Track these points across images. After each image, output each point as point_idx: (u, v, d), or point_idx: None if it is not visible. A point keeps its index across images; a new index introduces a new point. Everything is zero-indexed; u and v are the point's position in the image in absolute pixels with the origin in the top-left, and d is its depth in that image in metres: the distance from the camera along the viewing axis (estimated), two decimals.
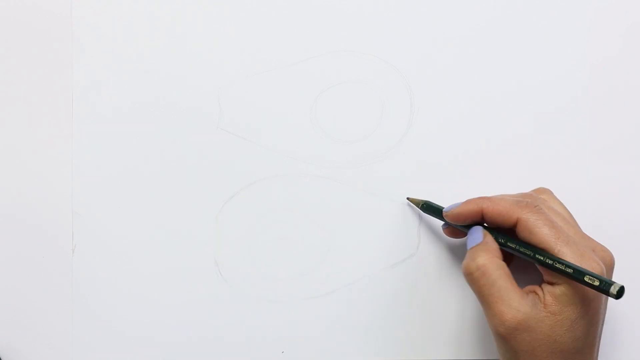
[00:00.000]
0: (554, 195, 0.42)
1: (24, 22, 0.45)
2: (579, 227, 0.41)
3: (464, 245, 0.45)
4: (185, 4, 0.45)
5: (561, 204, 0.41)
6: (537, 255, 0.38)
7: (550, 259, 0.37)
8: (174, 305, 0.45)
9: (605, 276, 0.37)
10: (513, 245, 0.39)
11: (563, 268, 0.36)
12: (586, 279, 0.35)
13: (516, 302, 0.37)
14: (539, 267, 0.38)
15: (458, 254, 0.45)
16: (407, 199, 0.45)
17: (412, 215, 0.45)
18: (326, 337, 0.45)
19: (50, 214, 0.45)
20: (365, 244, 0.45)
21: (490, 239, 0.40)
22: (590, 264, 0.37)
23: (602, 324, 0.39)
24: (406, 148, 0.45)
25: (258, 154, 0.45)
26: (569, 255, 0.37)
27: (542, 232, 0.37)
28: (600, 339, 0.40)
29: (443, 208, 0.42)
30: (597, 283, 0.35)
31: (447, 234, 0.44)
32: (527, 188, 0.45)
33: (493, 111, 0.46)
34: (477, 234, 0.40)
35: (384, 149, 0.45)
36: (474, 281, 0.38)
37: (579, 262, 0.37)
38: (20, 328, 0.45)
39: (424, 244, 0.45)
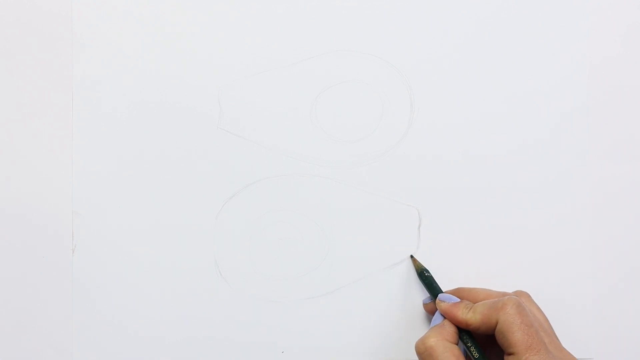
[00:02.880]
0: (532, 300, 0.42)
1: (24, 22, 0.45)
2: (555, 336, 0.41)
3: (465, 244, 0.45)
4: (186, 4, 0.45)
5: (538, 309, 0.42)
6: None
7: None
8: (174, 305, 0.45)
9: None
10: (468, 343, 0.40)
11: None
12: None
13: None
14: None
15: (458, 254, 0.45)
16: (411, 256, 0.45)
17: (412, 215, 0.45)
18: (326, 337, 0.45)
19: (50, 213, 0.45)
20: (365, 244, 0.45)
21: (447, 323, 0.41)
22: None
23: None
24: (406, 148, 0.45)
25: (258, 154, 0.45)
26: None
27: (514, 337, 0.37)
28: None
29: (438, 292, 0.43)
30: None
31: (426, 309, 0.45)
32: (527, 187, 0.45)
33: (493, 111, 0.46)
34: (438, 317, 0.41)
35: (384, 149, 0.45)
36: None
37: None
38: (20, 328, 0.45)
39: (424, 244, 0.45)
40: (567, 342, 0.45)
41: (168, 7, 0.45)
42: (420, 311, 0.45)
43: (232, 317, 0.45)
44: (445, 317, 0.41)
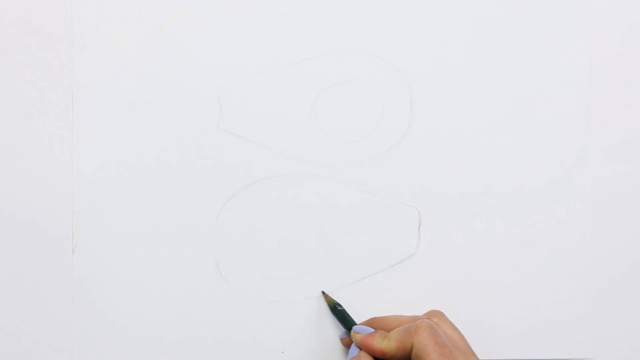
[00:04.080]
0: (446, 318, 0.43)
1: (24, 22, 0.45)
2: (471, 352, 0.41)
3: (465, 244, 0.45)
4: (186, 5, 0.45)
5: (453, 327, 0.42)
6: None
7: None
8: (174, 305, 0.45)
9: None
10: None
11: None
12: None
13: None
14: None
15: (458, 254, 0.45)
16: (322, 292, 0.45)
17: (412, 215, 0.45)
18: (326, 337, 0.45)
19: (50, 213, 0.45)
20: (365, 244, 0.45)
21: (363, 354, 0.41)
22: None
23: None
24: (406, 148, 0.45)
25: (258, 154, 0.45)
26: None
27: (429, 358, 0.38)
28: None
29: (352, 325, 0.43)
30: None
31: (343, 344, 0.44)
32: (526, 187, 0.45)
33: (492, 111, 0.46)
34: (354, 350, 0.42)
35: (384, 149, 0.45)
36: None
37: None
38: (21, 328, 0.45)
39: (424, 244, 0.45)
40: (567, 342, 0.45)
41: (168, 7, 0.45)
42: (420, 311, 0.45)
43: (232, 317, 0.45)
44: (361, 349, 0.41)
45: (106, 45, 0.45)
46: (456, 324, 0.45)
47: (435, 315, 0.43)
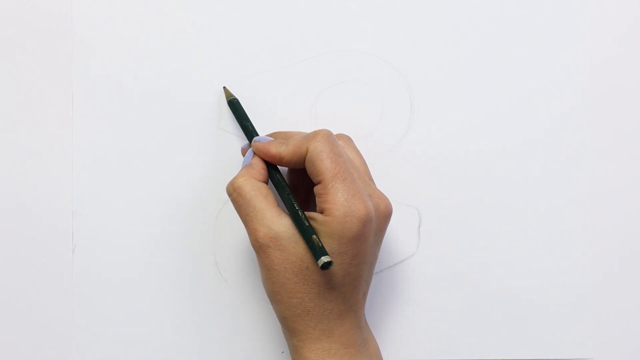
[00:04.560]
0: (353, 144, 0.42)
1: (24, 22, 0.45)
2: (368, 176, 0.41)
3: (465, 244, 0.45)
4: (186, 4, 0.45)
5: (357, 152, 0.41)
6: (288, 202, 0.39)
7: (296, 216, 0.38)
8: (174, 305, 0.45)
9: (373, 222, 0.38)
10: (275, 174, 0.40)
11: (300, 219, 0.37)
12: (313, 238, 0.36)
13: (270, 220, 0.38)
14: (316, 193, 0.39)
15: (458, 254, 0.45)
16: (224, 88, 0.45)
17: (412, 215, 0.45)
18: None
19: (50, 214, 0.45)
20: None
21: (256, 160, 0.41)
22: (357, 206, 0.37)
23: (369, 268, 0.39)
24: (406, 148, 0.45)
25: None
26: (340, 192, 0.37)
27: (322, 164, 0.37)
28: (367, 284, 0.40)
29: (249, 122, 0.43)
30: (319, 245, 0.36)
31: (242, 154, 0.43)
32: (526, 187, 0.45)
33: (493, 111, 0.46)
34: (248, 158, 0.41)
35: (383, 148, 0.45)
36: (233, 201, 0.39)
37: (347, 201, 0.37)
38: (20, 328, 0.45)
39: (424, 244, 0.45)
40: (567, 342, 0.45)
41: (168, 7, 0.45)
42: (420, 311, 0.45)
43: (232, 317, 0.45)
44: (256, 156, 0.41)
45: (106, 46, 0.45)
46: (456, 324, 0.45)
47: (341, 137, 0.42)
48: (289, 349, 0.40)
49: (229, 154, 0.45)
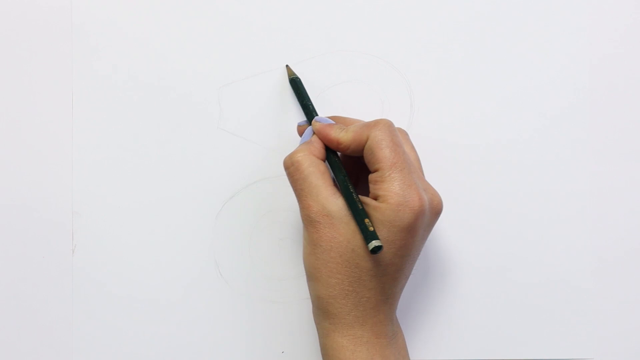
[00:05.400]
0: (409, 139, 0.42)
1: (24, 19, 0.45)
2: (422, 172, 0.41)
3: (465, 244, 0.45)
4: (186, 4, 0.45)
5: (413, 148, 0.42)
6: (343, 184, 0.39)
7: (350, 198, 0.38)
8: (174, 305, 0.45)
9: (426, 216, 0.38)
10: (333, 156, 0.40)
11: (354, 200, 0.37)
12: (365, 221, 0.36)
13: (324, 198, 0.38)
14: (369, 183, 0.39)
15: (459, 254, 0.45)
16: (286, 66, 0.45)
17: None
18: None
19: (50, 214, 0.45)
20: None
21: (316, 138, 0.41)
22: (412, 197, 0.37)
23: (412, 263, 0.39)
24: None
25: (258, 154, 0.45)
26: (396, 181, 0.37)
27: (381, 153, 0.38)
28: (406, 279, 0.40)
29: (309, 101, 0.43)
30: (370, 229, 0.36)
31: (298, 131, 0.44)
32: (526, 188, 0.45)
33: (493, 111, 0.46)
34: (308, 135, 0.41)
35: None
36: (289, 175, 0.40)
37: (403, 190, 0.37)
38: (20, 328, 0.45)
39: (424, 244, 0.45)
40: (567, 342, 0.45)
41: (168, 6, 0.45)
42: (420, 311, 0.45)
43: (232, 317, 0.45)
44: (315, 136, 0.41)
45: (106, 45, 0.45)
46: (457, 324, 0.45)
47: (400, 131, 0.42)
48: (318, 332, 0.39)
49: (229, 154, 0.45)
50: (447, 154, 0.45)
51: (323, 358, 0.39)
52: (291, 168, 0.39)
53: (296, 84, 0.44)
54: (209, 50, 0.45)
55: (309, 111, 0.43)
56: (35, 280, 0.45)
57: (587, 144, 0.46)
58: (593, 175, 0.46)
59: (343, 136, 0.40)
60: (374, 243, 0.36)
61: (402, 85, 0.46)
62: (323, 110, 0.45)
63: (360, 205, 0.37)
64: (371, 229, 0.36)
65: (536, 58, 0.46)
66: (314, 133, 0.41)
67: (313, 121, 0.42)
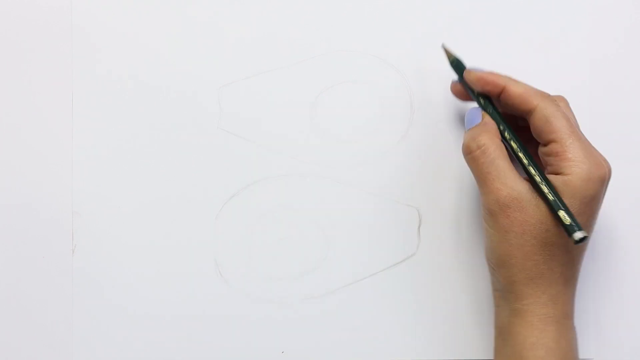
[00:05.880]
0: (570, 107, 0.41)
1: (24, 19, 0.45)
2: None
3: (465, 244, 0.45)
4: (186, 4, 0.45)
5: (575, 116, 0.41)
6: (528, 163, 0.38)
7: (539, 177, 0.37)
8: (174, 306, 0.45)
9: (607, 184, 0.37)
10: (509, 137, 0.39)
11: (545, 191, 0.36)
12: (560, 213, 0.36)
13: (512, 181, 0.37)
14: (541, 156, 0.38)
15: (458, 253, 0.45)
16: (442, 45, 0.43)
17: (412, 215, 0.45)
18: (326, 337, 0.45)
19: (50, 214, 0.45)
20: (365, 244, 0.45)
21: (489, 119, 0.40)
22: (598, 165, 0.36)
23: (591, 232, 0.39)
24: (406, 148, 0.45)
25: (258, 154, 0.45)
26: (579, 150, 0.37)
27: (559, 123, 0.37)
28: (586, 249, 0.39)
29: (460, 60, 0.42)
30: (567, 222, 0.35)
31: (452, 91, 0.43)
32: None
33: None
34: (477, 114, 0.40)
35: (384, 149, 0.45)
36: (474, 159, 0.39)
37: (588, 159, 0.36)
38: (20, 328, 0.45)
39: (424, 244, 0.45)
40: None
41: (168, 6, 0.45)
42: (420, 311, 0.45)
43: (232, 317, 0.45)
44: (475, 91, 0.40)
45: (106, 45, 0.45)
46: (456, 324, 0.45)
47: (561, 100, 0.40)
48: (500, 312, 0.39)
49: (229, 154, 0.45)
50: (448, 154, 0.45)
51: (500, 339, 0.39)
52: (477, 152, 0.38)
53: (455, 64, 0.43)
54: (209, 50, 0.45)
55: (461, 68, 0.42)
56: (35, 280, 0.45)
57: None
58: None
59: (512, 84, 0.39)
60: (579, 235, 0.35)
61: (402, 85, 0.46)
62: (323, 110, 0.45)
63: (552, 190, 0.36)
64: (571, 220, 0.35)
65: (536, 58, 0.46)
66: (483, 114, 0.40)
67: (466, 70, 0.41)
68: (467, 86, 0.42)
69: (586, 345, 0.45)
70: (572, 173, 0.36)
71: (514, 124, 0.41)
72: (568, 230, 0.35)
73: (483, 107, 0.41)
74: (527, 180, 0.38)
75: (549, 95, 0.39)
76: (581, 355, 0.45)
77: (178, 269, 0.45)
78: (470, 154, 0.39)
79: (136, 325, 0.45)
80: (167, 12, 0.45)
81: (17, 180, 0.45)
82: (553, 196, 0.36)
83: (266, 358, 0.45)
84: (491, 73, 0.40)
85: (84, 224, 0.45)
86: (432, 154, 0.45)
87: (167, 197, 0.45)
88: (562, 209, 0.36)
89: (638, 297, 0.46)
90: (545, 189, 0.37)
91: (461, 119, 0.46)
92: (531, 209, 0.37)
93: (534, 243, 0.37)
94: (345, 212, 0.45)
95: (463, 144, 0.40)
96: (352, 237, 0.45)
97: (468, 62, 0.44)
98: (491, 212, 0.38)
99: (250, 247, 0.45)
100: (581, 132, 0.39)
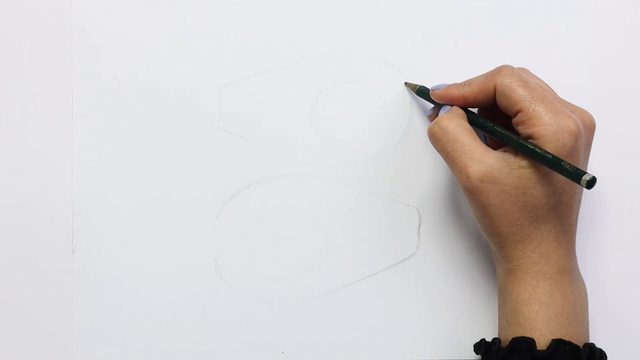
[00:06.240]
0: (532, 73, 0.42)
1: (24, 19, 0.45)
2: (557, 95, 0.41)
3: (465, 244, 0.45)
4: (186, 4, 0.45)
5: (540, 79, 0.41)
6: (516, 139, 0.38)
7: (530, 146, 0.37)
8: (174, 305, 0.45)
9: (583, 136, 0.37)
10: (490, 125, 0.39)
11: (542, 153, 0.36)
12: (563, 164, 0.35)
13: (479, 154, 0.38)
14: (514, 128, 0.39)
15: (458, 254, 0.45)
16: (405, 83, 0.45)
17: (412, 215, 0.45)
18: (326, 337, 0.45)
19: (50, 214, 0.45)
20: (365, 244, 0.45)
21: (456, 108, 0.41)
22: (565, 121, 0.37)
23: (582, 190, 0.40)
24: (406, 148, 0.45)
25: (258, 154, 0.45)
26: (543, 113, 0.37)
27: (516, 94, 0.38)
28: (579, 203, 0.40)
29: (424, 87, 0.43)
30: (573, 169, 0.35)
31: (430, 120, 0.44)
32: None
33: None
34: (447, 107, 0.41)
35: (384, 149, 0.45)
36: (437, 140, 0.39)
37: (553, 119, 0.37)
38: (20, 328, 0.45)
39: (424, 244, 0.45)
40: None
41: (168, 6, 0.45)
42: (420, 311, 0.45)
43: (232, 317, 0.45)
44: (442, 105, 0.41)
45: (106, 46, 0.45)
46: (456, 324, 0.45)
47: (521, 69, 0.41)
48: (499, 272, 0.40)
49: (229, 154, 0.45)
50: None
51: (500, 297, 0.40)
52: (438, 132, 0.39)
53: (421, 92, 0.44)
54: (209, 50, 0.45)
55: (425, 92, 0.43)
56: (35, 280, 0.45)
57: None
58: (594, 174, 0.45)
59: (467, 90, 0.40)
60: (586, 178, 0.34)
61: (402, 85, 0.46)
62: (323, 110, 0.45)
63: (538, 147, 0.36)
64: (573, 167, 0.35)
65: (536, 58, 0.46)
66: (451, 106, 0.41)
67: (431, 90, 0.42)
68: (440, 106, 0.42)
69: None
70: (541, 136, 0.37)
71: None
72: (575, 177, 0.35)
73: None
74: (494, 150, 0.38)
75: (499, 70, 0.39)
76: None
77: (178, 269, 0.45)
78: (433, 136, 0.40)
79: (136, 325, 0.45)
80: (167, 12, 0.45)
81: (17, 180, 0.45)
82: (549, 153, 0.36)
83: (266, 358, 0.45)
84: (449, 87, 0.41)
85: (84, 224, 0.45)
86: (432, 154, 0.45)
87: (167, 197, 0.45)
88: (563, 160, 0.35)
89: (638, 296, 0.46)
90: (539, 150, 0.36)
91: None
92: (503, 177, 0.37)
93: (515, 209, 0.38)
94: (345, 212, 0.45)
95: (427, 129, 0.40)
96: (352, 237, 0.45)
97: (468, 61, 0.44)
98: (467, 190, 0.38)
99: (250, 247, 0.45)
100: (546, 91, 0.39)
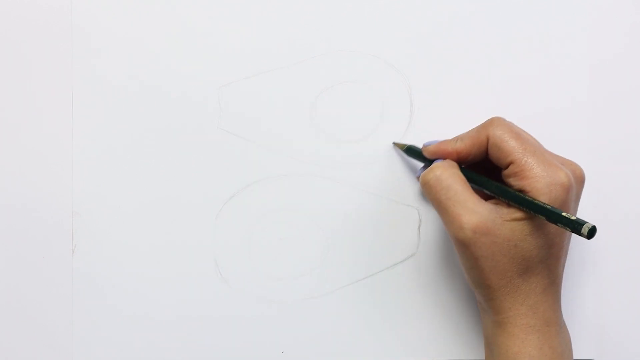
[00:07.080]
0: (518, 127, 0.42)
1: (24, 18, 0.45)
2: (545, 148, 0.41)
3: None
4: (186, 4, 0.45)
5: (527, 133, 0.41)
6: (512, 191, 0.38)
7: (528, 199, 0.37)
8: (174, 306, 0.45)
9: (574, 188, 0.38)
10: (484, 179, 0.40)
11: (541, 204, 0.36)
12: (564, 214, 0.35)
13: (473, 204, 0.38)
14: (505, 180, 0.39)
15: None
16: (393, 143, 0.45)
17: (412, 215, 0.45)
18: (326, 337, 0.45)
19: (50, 214, 0.45)
20: (365, 244, 0.45)
21: (449, 160, 0.41)
22: (557, 174, 0.37)
23: (568, 238, 0.40)
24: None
25: (258, 154, 0.45)
26: (535, 165, 0.37)
27: (508, 145, 0.38)
28: (566, 256, 0.40)
29: (414, 146, 0.43)
30: (574, 219, 0.35)
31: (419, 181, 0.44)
32: None
33: (492, 111, 0.45)
34: (438, 161, 0.41)
35: (384, 149, 0.45)
36: (430, 188, 0.39)
37: (545, 171, 0.37)
38: (20, 328, 0.45)
39: (424, 244, 0.45)
40: None
41: (168, 6, 0.45)
42: (420, 311, 0.45)
43: (232, 317, 0.45)
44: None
45: (106, 46, 0.45)
46: (456, 324, 0.45)
47: (506, 121, 0.41)
48: (486, 324, 0.40)
49: (229, 154, 0.45)
50: None
51: (488, 348, 0.40)
52: (432, 180, 0.39)
53: (410, 150, 0.44)
54: (209, 50, 0.45)
55: (418, 152, 0.43)
56: (35, 280, 0.45)
57: (587, 145, 0.46)
58: (593, 176, 0.46)
59: (460, 145, 0.40)
60: (588, 226, 0.34)
61: (402, 85, 0.46)
62: (323, 110, 0.45)
63: (535, 199, 0.36)
64: (572, 217, 0.35)
65: (536, 59, 0.46)
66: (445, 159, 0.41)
67: (423, 147, 0.42)
68: (431, 163, 0.42)
69: (586, 345, 0.45)
70: (534, 188, 0.37)
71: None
72: (576, 226, 0.35)
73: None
74: (487, 201, 0.38)
75: (491, 122, 0.39)
76: (581, 355, 0.45)
77: (178, 269, 0.45)
78: (426, 184, 0.39)
79: (136, 326, 0.45)
80: (167, 12, 0.45)
81: (17, 180, 0.45)
82: (547, 205, 0.36)
83: (266, 358, 0.45)
84: (441, 142, 0.41)
85: (84, 224, 0.45)
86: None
87: (167, 197, 0.45)
88: (562, 212, 0.35)
89: (638, 296, 0.46)
90: (537, 202, 0.36)
91: (461, 119, 0.45)
92: (497, 229, 0.37)
93: (506, 261, 0.37)
94: (345, 212, 0.45)
95: (420, 177, 0.40)
96: (352, 237, 0.45)
97: (467, 62, 0.44)
98: (459, 241, 0.38)
99: (250, 247, 0.45)
100: (536, 143, 0.39)
